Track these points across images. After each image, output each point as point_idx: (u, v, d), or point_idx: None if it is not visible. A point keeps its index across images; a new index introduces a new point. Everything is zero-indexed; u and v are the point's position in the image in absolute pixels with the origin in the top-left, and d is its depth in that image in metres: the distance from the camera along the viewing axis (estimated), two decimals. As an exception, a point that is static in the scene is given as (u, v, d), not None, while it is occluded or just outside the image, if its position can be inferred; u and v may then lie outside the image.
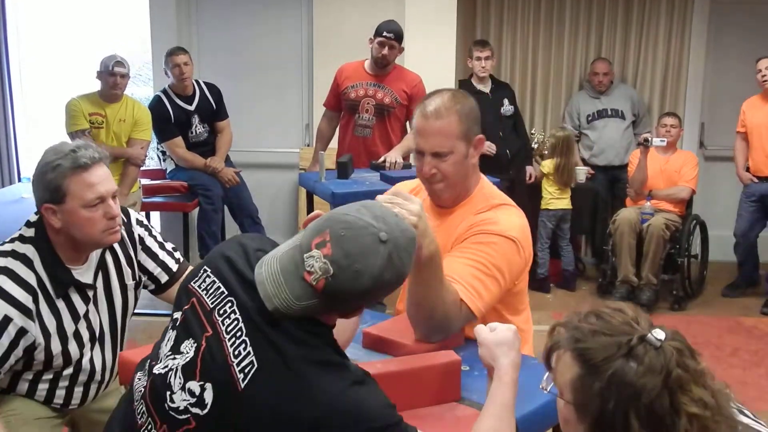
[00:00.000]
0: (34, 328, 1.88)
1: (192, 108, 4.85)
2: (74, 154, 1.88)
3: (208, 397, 1.32)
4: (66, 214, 1.89)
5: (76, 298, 1.99)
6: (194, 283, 1.45)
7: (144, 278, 2.19)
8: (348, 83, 4.53)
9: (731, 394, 1.20)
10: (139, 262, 2.16)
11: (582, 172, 5.44)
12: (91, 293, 2.02)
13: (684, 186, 5.11)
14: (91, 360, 2.06)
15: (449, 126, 1.97)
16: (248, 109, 5.55)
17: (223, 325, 1.35)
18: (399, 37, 4.38)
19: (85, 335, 2.02)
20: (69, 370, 2.02)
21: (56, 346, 1.95)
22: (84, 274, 2.01)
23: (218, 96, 4.97)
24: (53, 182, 1.87)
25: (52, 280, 1.92)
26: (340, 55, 4.88)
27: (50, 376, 2.00)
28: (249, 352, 1.30)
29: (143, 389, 1.44)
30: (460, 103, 2.01)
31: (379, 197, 1.69)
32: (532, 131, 5.57)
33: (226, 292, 1.38)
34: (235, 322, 1.34)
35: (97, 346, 2.06)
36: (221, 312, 1.37)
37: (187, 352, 1.37)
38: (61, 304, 1.95)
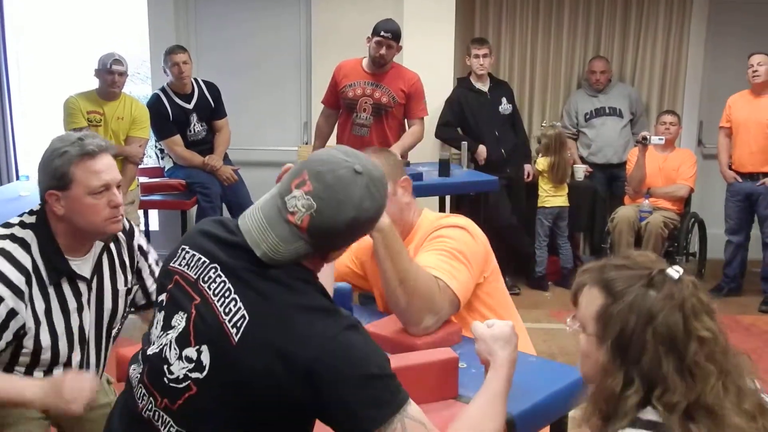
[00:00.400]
0: (24, 312, 1.87)
1: (190, 106, 4.85)
2: (81, 141, 1.91)
3: (206, 358, 1.33)
4: (70, 200, 1.90)
5: (67, 290, 1.98)
6: (173, 263, 1.47)
7: (138, 291, 2.20)
8: (346, 82, 4.52)
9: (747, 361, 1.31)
10: (141, 277, 2.18)
11: (580, 170, 5.46)
12: (84, 288, 2.01)
13: (682, 184, 5.12)
14: (80, 361, 2.06)
15: None
16: (246, 107, 5.55)
17: (210, 289, 1.37)
18: (396, 36, 4.38)
19: (76, 333, 2.01)
20: (59, 369, 2.01)
21: (45, 338, 1.93)
22: (81, 266, 2.00)
23: (217, 94, 4.96)
24: (60, 169, 1.88)
25: (47, 266, 1.92)
26: (338, 52, 4.88)
27: (40, 374, 1.99)
28: (240, 308, 1.32)
29: (139, 375, 1.45)
30: (382, 152, 2.20)
31: None
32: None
33: (208, 261, 1.40)
34: (222, 284, 1.36)
35: (85, 347, 2.06)
36: (206, 279, 1.38)
37: (179, 325, 1.39)
38: (51, 292, 1.94)
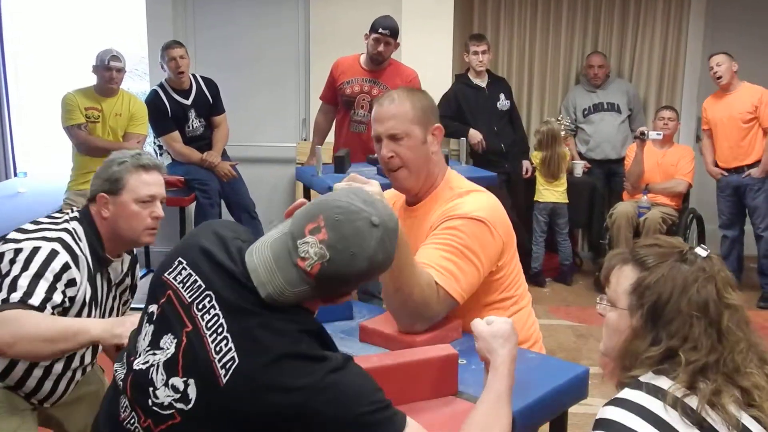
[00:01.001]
0: (78, 285, 1.97)
1: (189, 102, 4.84)
2: (138, 156, 2.14)
3: (192, 392, 1.32)
4: (118, 205, 2.08)
5: (100, 284, 2.09)
6: (168, 275, 1.44)
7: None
8: (344, 78, 4.52)
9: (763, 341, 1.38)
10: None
11: (579, 166, 5.46)
12: (106, 288, 2.12)
13: (681, 180, 5.12)
14: (83, 356, 2.12)
15: (402, 109, 2.01)
16: (245, 104, 5.54)
17: (203, 320, 1.34)
18: (394, 33, 4.37)
19: None
20: (62, 363, 2.06)
21: None
22: (112, 269, 2.14)
23: (215, 90, 4.95)
24: (115, 174, 2.08)
25: (93, 256, 2.05)
26: (336, 49, 4.87)
27: (47, 363, 2.03)
28: (230, 348, 1.30)
29: (122, 383, 1.44)
30: (415, 94, 2.08)
31: (336, 184, 1.70)
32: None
33: (204, 286, 1.38)
34: (216, 317, 1.34)
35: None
36: (200, 307, 1.36)
37: (168, 348, 1.37)
38: (93, 282, 2.04)
